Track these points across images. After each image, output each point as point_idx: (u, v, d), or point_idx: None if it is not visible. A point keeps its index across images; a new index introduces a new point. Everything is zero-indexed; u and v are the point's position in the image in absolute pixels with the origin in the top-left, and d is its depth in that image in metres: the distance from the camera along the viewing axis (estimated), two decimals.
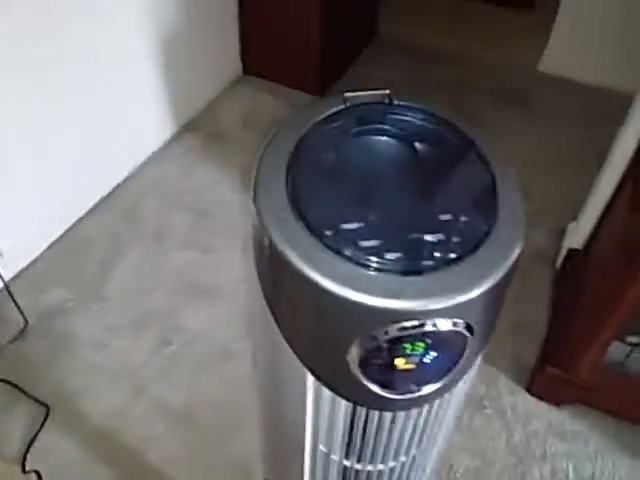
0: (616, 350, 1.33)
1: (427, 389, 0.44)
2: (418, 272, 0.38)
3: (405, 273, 0.38)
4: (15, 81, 1.44)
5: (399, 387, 0.43)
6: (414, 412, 0.47)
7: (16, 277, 1.61)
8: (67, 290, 1.60)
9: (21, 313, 1.50)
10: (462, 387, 0.51)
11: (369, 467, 0.54)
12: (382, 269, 0.38)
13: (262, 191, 0.43)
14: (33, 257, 1.66)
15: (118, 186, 1.89)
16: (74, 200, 1.77)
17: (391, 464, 0.54)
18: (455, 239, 0.39)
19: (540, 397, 1.48)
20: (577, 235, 1.60)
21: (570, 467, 1.39)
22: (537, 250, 1.76)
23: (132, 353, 1.48)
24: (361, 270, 0.38)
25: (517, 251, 0.41)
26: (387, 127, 0.44)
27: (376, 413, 0.47)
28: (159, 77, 1.92)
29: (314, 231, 0.39)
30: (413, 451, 0.54)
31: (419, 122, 0.45)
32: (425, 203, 0.41)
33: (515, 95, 2.32)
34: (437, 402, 0.48)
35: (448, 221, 0.39)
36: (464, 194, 0.42)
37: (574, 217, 1.65)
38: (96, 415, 1.37)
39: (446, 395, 0.48)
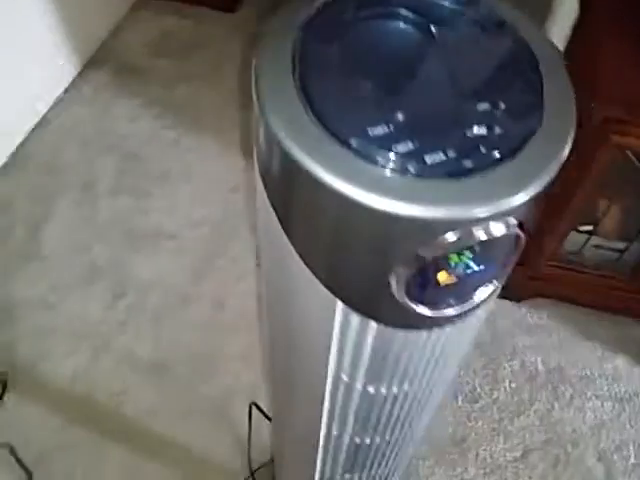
0: (571, 241, 1.49)
1: (476, 298, 0.46)
2: (467, 173, 0.37)
3: (452, 175, 0.37)
4: None
5: (442, 302, 0.44)
6: (448, 329, 0.49)
7: None
8: (0, 255, 1.60)
9: None
10: (496, 294, 0.52)
11: (394, 390, 0.57)
12: (425, 174, 0.36)
13: (269, 97, 0.38)
14: None
15: (27, 140, 1.85)
16: None
17: (415, 385, 0.58)
18: (499, 131, 0.38)
19: (501, 295, 1.64)
20: None
21: (538, 359, 1.56)
22: None
23: (85, 310, 1.52)
24: (402, 179, 0.36)
25: (572, 134, 0.40)
26: (397, 9, 0.41)
27: (412, 333, 0.48)
28: (48, 10, 1.85)
29: (340, 140, 0.36)
30: (439, 369, 0.57)
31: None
32: (457, 94, 0.39)
33: None
34: (475, 312, 0.50)
35: (488, 111, 0.38)
36: (500, 79, 0.40)
37: None
38: (60, 379, 1.42)
39: (488, 302, 0.50)
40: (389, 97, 0.39)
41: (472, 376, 1.51)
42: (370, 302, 0.45)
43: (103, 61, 2.08)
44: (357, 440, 0.68)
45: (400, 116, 0.38)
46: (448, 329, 0.50)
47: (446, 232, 0.38)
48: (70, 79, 2.01)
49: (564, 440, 1.46)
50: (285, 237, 0.44)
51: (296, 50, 0.40)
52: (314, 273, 0.44)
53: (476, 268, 0.42)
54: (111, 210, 1.72)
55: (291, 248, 0.44)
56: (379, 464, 0.75)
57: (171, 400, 1.41)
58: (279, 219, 0.44)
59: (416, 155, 0.37)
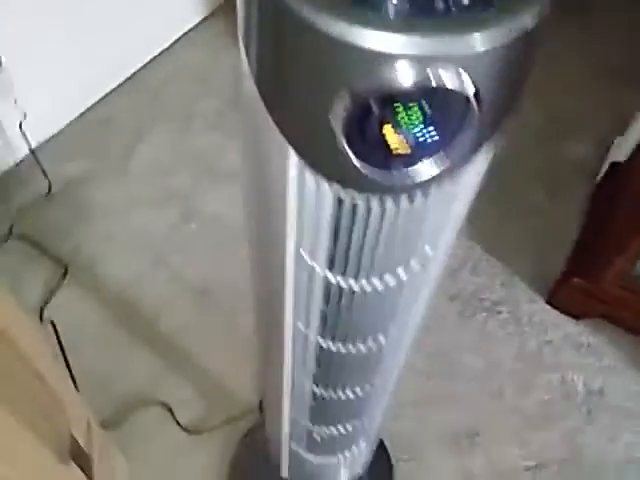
0: None
1: (420, 169, 0.45)
2: (428, 13, 0.38)
3: (412, 14, 0.38)
4: None
5: (388, 165, 0.45)
6: (404, 206, 0.50)
7: (43, 144, 1.78)
8: (92, 162, 1.77)
9: (46, 178, 1.68)
10: (465, 184, 0.52)
11: (352, 282, 0.58)
12: (389, 10, 0.38)
13: None
14: (60, 127, 1.82)
15: (146, 66, 2.02)
16: (103, 75, 1.91)
17: (375, 282, 0.59)
18: None
19: (560, 309, 1.61)
20: (622, 148, 1.68)
21: (580, 379, 1.52)
22: (578, 163, 1.85)
23: (153, 226, 1.65)
24: (362, 10, 0.38)
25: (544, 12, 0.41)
26: None
27: (362, 205, 0.49)
28: None
29: None
30: (402, 270, 0.58)
31: None
32: None
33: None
34: (434, 195, 0.50)
35: None
36: None
37: (622, 131, 1.74)
38: (114, 280, 1.56)
39: (446, 185, 0.50)
40: None
41: (504, 377, 1.50)
42: (316, 150, 0.46)
43: (229, 11, 2.23)
44: (322, 343, 0.71)
45: None
46: (403, 209, 0.51)
47: (388, 64, 0.39)
48: (196, 21, 2.16)
49: (585, 465, 1.42)
50: (253, 82, 0.47)
51: None
52: (271, 115, 0.47)
53: (422, 128, 0.42)
54: (200, 144, 1.84)
55: (258, 98, 0.47)
56: (344, 380, 0.79)
57: (207, 324, 1.51)
58: (248, 60, 0.47)
59: None
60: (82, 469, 1.05)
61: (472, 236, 1.70)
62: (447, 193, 0.51)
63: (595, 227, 1.65)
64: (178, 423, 1.37)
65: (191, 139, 1.86)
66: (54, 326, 1.44)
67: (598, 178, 1.78)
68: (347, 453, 1.02)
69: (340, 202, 0.51)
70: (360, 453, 1.05)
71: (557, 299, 1.61)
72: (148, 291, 1.55)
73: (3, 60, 1.54)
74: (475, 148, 0.47)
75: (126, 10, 1.86)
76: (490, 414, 1.46)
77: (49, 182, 1.68)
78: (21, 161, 1.72)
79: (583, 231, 1.68)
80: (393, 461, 1.38)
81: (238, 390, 1.42)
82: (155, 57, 2.04)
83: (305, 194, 0.52)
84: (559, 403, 1.49)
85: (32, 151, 1.68)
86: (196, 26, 2.16)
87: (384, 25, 0.39)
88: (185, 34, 2.13)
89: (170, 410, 1.38)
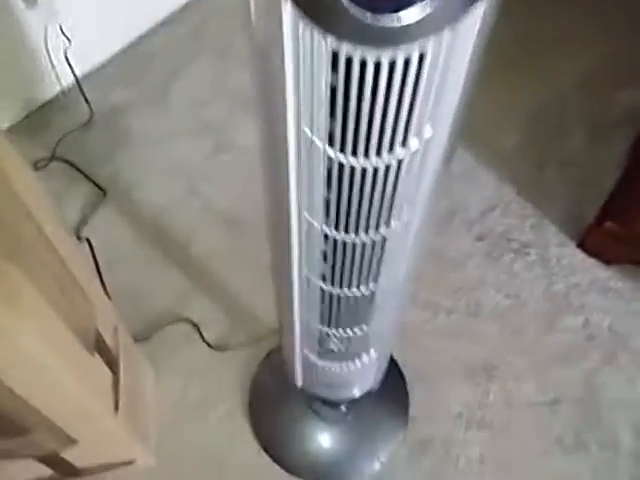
0: None
1: (406, 12, 0.44)
2: None
3: None
4: None
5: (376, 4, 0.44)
6: (399, 63, 0.50)
7: (87, 74, 1.87)
8: (133, 92, 1.86)
9: (88, 105, 1.78)
10: (458, 46, 0.52)
11: (351, 159, 0.59)
12: None
13: None
14: (104, 58, 1.91)
15: (189, 2, 2.10)
16: (147, 9, 2.00)
17: (373, 160, 0.60)
18: None
19: (591, 253, 1.63)
20: None
21: (605, 322, 1.56)
22: (625, 112, 1.84)
23: (188, 156, 1.74)
24: None
25: None
26: None
27: (356, 60, 0.50)
28: None
29: None
30: (399, 147, 0.59)
31: None
32: None
33: None
34: (429, 55, 0.50)
35: None
36: None
37: None
38: (148, 205, 1.66)
39: (439, 43, 0.49)
40: None
41: (527, 316, 1.55)
42: None
43: None
44: (327, 231, 0.76)
45: None
46: (398, 67, 0.51)
47: None
48: None
49: (602, 403, 1.46)
50: None
51: None
52: None
53: None
54: (237, 79, 1.91)
55: None
56: (350, 276, 0.85)
57: (235, 251, 1.59)
58: None
59: None
60: (107, 365, 1.15)
61: (506, 179, 1.74)
62: (441, 54, 0.51)
63: (634, 173, 1.66)
64: (204, 340, 1.47)
65: (229, 74, 1.94)
66: (90, 244, 1.55)
67: None
68: (358, 362, 1.09)
69: (335, 57, 0.51)
70: (372, 364, 1.11)
71: (588, 243, 1.64)
72: (181, 218, 1.65)
73: None
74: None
75: None
76: (509, 350, 1.51)
77: (91, 110, 1.78)
78: (65, 89, 1.83)
79: (622, 177, 1.70)
80: (408, 388, 1.45)
81: (262, 313, 1.51)
82: None
83: (301, 51, 0.52)
84: (581, 344, 1.53)
85: (76, 79, 1.78)
86: None
87: None
88: None
89: (197, 327, 1.48)
